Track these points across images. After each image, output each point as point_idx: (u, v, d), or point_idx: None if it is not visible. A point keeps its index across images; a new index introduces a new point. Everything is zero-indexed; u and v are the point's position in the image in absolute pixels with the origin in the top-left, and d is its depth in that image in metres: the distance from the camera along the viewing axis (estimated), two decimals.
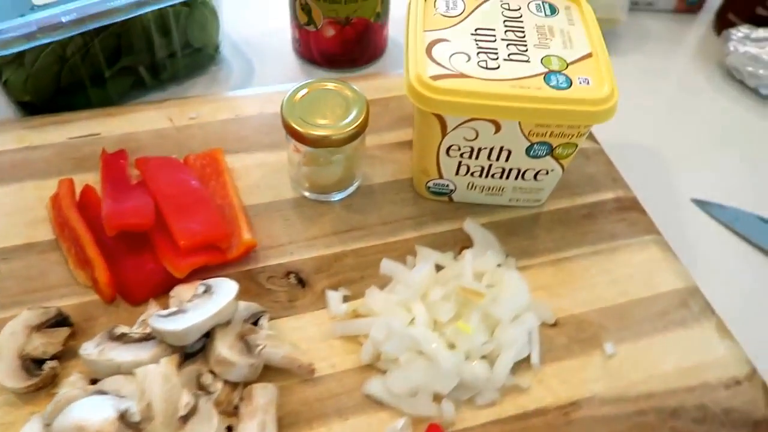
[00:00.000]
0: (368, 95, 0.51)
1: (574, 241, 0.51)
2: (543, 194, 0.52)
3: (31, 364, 0.40)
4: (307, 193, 0.52)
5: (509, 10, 0.49)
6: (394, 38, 0.71)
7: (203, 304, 0.40)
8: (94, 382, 0.40)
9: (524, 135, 0.45)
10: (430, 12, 0.49)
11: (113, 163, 0.51)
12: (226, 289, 0.42)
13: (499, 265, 0.47)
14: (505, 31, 0.47)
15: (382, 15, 0.66)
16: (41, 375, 0.40)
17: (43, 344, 0.41)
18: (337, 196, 0.52)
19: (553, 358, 0.44)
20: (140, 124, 0.56)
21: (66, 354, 0.42)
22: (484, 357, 0.42)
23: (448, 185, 0.51)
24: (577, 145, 0.46)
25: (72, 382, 0.40)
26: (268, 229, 0.50)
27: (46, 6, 0.53)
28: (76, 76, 0.57)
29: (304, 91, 0.48)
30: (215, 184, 0.51)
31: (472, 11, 0.49)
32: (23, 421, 0.37)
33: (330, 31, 0.64)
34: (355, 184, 0.53)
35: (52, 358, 0.41)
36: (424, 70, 0.44)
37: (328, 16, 0.63)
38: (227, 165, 0.53)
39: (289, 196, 0.53)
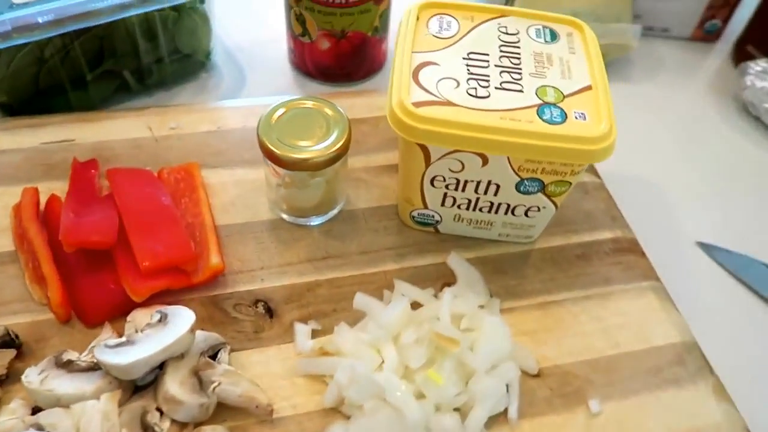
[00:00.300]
0: (358, 113, 0.48)
1: (565, 283, 0.48)
2: (534, 231, 0.48)
3: None
4: (284, 216, 0.49)
5: (506, 33, 0.46)
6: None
7: (155, 335, 0.38)
8: (36, 410, 0.37)
9: (513, 170, 0.42)
10: (422, 32, 0.46)
11: (82, 172, 0.49)
12: (182, 319, 0.39)
13: (481, 307, 0.44)
14: (500, 57, 0.44)
15: (380, 29, 0.63)
16: None
17: None
18: (315, 221, 0.49)
19: (533, 413, 0.41)
20: (117, 131, 0.54)
21: (10, 377, 0.39)
22: (456, 409, 0.39)
23: (433, 216, 0.48)
24: (571, 183, 0.43)
25: (12, 410, 0.37)
26: (240, 252, 0.47)
27: (25, 5, 0.50)
28: (55, 78, 0.55)
29: (282, 110, 0.46)
30: (188, 201, 0.48)
31: (467, 33, 0.46)
32: None
33: (325, 44, 0.62)
34: (336, 209, 0.50)
35: None
36: (408, 95, 0.41)
37: (323, 28, 0.60)
38: (203, 180, 0.50)
39: (266, 217, 0.50)
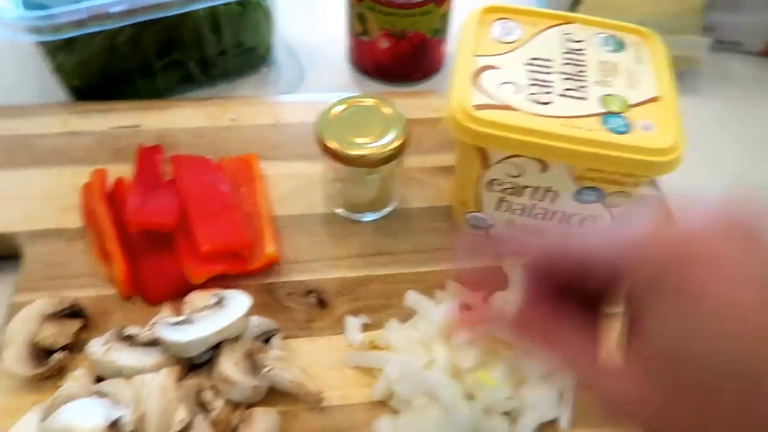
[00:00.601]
0: (416, 114, 0.48)
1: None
2: None
3: (41, 352, 0.40)
4: (339, 211, 0.50)
5: (572, 41, 0.46)
6: (453, 55, 0.68)
7: (212, 316, 0.39)
8: (99, 380, 0.39)
9: (573, 178, 0.42)
10: (484, 35, 0.46)
11: (148, 157, 0.50)
12: (238, 303, 0.40)
13: None
14: (564, 64, 0.44)
15: (440, 31, 0.63)
16: (48, 365, 0.39)
17: (54, 334, 0.40)
18: (369, 217, 0.50)
19: (587, 424, 0.40)
20: (180, 120, 0.56)
21: (76, 346, 0.41)
22: (505, 413, 0.39)
23: (487, 220, 0.48)
24: (631, 195, 0.43)
25: (76, 377, 0.39)
26: (294, 243, 0.48)
27: None
28: (125, 65, 0.57)
29: (341, 107, 0.46)
30: (246, 191, 0.50)
31: (530, 39, 0.46)
32: (26, 409, 0.37)
33: (384, 43, 0.62)
34: (390, 206, 0.51)
35: (62, 348, 0.40)
36: (469, 98, 0.41)
37: (384, 28, 0.61)
38: (261, 172, 0.52)
39: (320, 210, 0.51)
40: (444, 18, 0.62)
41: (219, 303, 0.40)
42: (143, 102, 0.57)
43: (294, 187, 0.52)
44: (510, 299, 0.44)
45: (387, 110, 0.46)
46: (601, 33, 0.47)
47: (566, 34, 0.47)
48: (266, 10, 0.62)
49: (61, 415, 0.34)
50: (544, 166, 0.42)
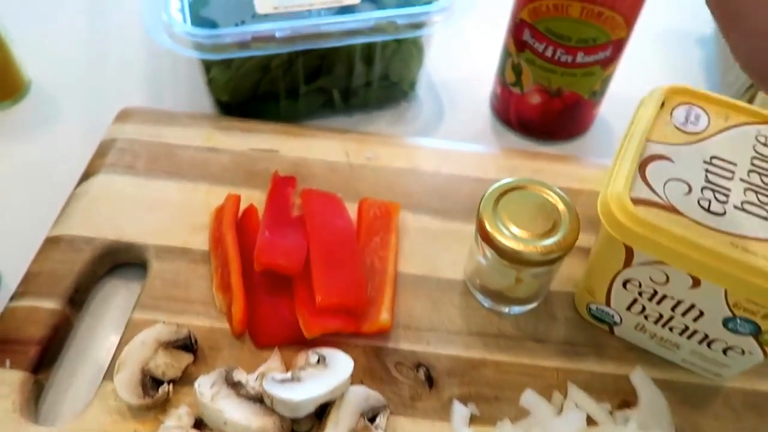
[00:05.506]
0: (558, 181, 0.44)
1: None
2: (727, 371, 0.42)
3: (150, 380, 0.40)
4: (476, 293, 0.47)
5: (765, 145, 0.40)
6: (604, 117, 0.64)
7: (318, 375, 0.37)
8: (198, 423, 0.39)
9: (727, 304, 0.36)
10: (664, 119, 0.42)
11: (281, 188, 0.50)
12: (341, 364, 0.39)
13: None
14: (749, 171, 0.39)
15: (598, 93, 0.59)
16: (154, 397, 0.39)
17: (165, 364, 0.40)
18: (505, 309, 0.46)
19: None
20: (317, 151, 0.55)
21: (183, 379, 0.41)
22: None
23: (613, 316, 0.44)
24: None
25: (178, 416, 0.38)
26: (411, 306, 0.46)
27: (266, 16, 0.53)
28: (274, 87, 0.57)
29: (510, 189, 0.42)
30: (379, 241, 0.48)
31: (717, 133, 0.41)
32: None
33: (535, 98, 0.59)
34: (533, 304, 0.47)
35: (170, 380, 0.40)
36: (628, 188, 0.37)
37: (538, 83, 0.57)
38: (399, 224, 0.49)
39: (444, 275, 0.48)
40: (605, 80, 0.57)
41: (321, 362, 0.39)
42: (283, 126, 0.57)
43: (421, 242, 0.50)
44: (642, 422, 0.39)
45: (561, 206, 0.42)
46: None
47: (761, 136, 0.41)
48: (420, 46, 0.60)
49: None
50: (696, 281, 0.37)
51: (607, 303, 0.43)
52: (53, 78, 0.63)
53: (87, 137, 0.56)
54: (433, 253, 0.49)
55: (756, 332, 0.38)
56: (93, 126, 0.57)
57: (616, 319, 0.44)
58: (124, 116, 0.56)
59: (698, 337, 0.41)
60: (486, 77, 0.64)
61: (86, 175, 0.52)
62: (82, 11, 0.71)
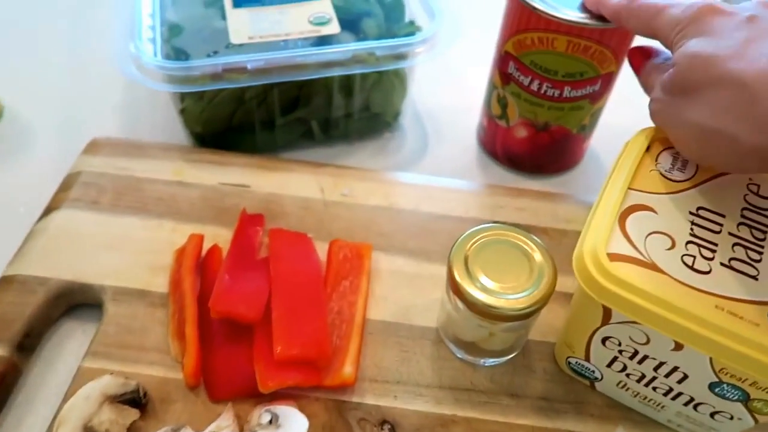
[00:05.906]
0: (542, 221, 0.41)
1: None
2: None
3: None
4: (448, 343, 0.44)
5: (757, 195, 0.37)
6: (595, 150, 0.61)
7: None
8: None
9: (713, 370, 0.33)
10: (648, 165, 0.39)
11: (247, 227, 0.48)
12: (295, 425, 0.36)
13: None
14: (739, 225, 0.36)
15: (587, 128, 0.56)
16: None
17: (110, 421, 0.38)
18: (479, 361, 0.44)
19: None
20: (290, 186, 0.53)
21: None
22: None
23: (593, 371, 0.41)
24: None
25: None
26: (380, 357, 0.43)
27: (241, 46, 0.51)
28: (249, 118, 0.55)
29: (482, 236, 0.40)
30: (348, 285, 0.45)
31: (705, 181, 0.38)
32: None
33: (522, 132, 0.56)
34: (509, 356, 0.44)
35: None
36: (605, 242, 0.34)
37: (525, 117, 0.54)
38: (370, 268, 0.47)
39: (416, 323, 0.45)
40: (595, 115, 0.55)
41: (273, 422, 0.36)
42: (257, 159, 0.55)
43: (394, 286, 0.47)
44: None
45: (537, 257, 0.39)
46: None
47: (752, 185, 0.38)
48: (403, 77, 0.58)
49: None
50: (679, 345, 0.34)
51: (587, 358, 0.40)
52: (27, 105, 0.61)
53: (60, 167, 0.54)
54: (405, 297, 0.46)
55: (745, 399, 0.35)
56: (66, 155, 0.55)
57: (597, 375, 0.41)
58: (92, 148, 0.54)
59: (683, 399, 0.38)
60: (474, 107, 0.62)
61: (48, 210, 0.50)
62: (59, 38, 0.70)
